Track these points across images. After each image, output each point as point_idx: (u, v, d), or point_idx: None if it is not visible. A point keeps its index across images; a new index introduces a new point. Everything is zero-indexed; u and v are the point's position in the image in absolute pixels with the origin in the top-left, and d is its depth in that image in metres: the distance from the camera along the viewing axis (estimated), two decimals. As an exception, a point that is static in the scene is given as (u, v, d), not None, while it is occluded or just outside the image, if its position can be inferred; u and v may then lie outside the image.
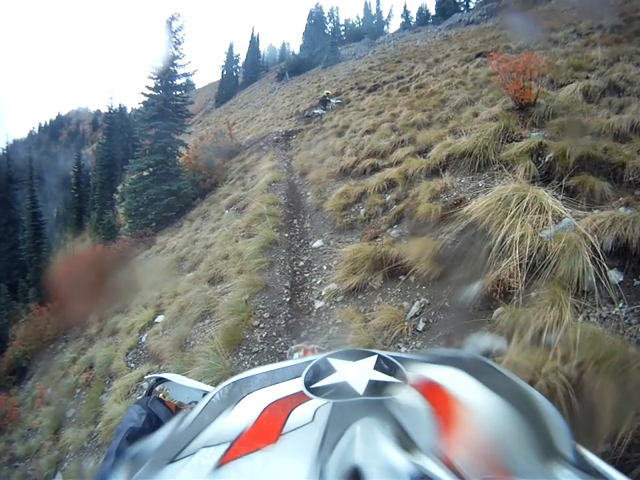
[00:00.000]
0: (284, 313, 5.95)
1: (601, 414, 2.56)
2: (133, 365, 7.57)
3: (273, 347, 5.40)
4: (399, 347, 4.34)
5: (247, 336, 5.65)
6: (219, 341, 5.51)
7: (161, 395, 1.25)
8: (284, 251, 7.70)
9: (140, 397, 1.21)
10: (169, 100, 19.15)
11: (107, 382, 7.84)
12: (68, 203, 40.36)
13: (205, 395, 1.23)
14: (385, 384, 0.69)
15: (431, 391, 0.65)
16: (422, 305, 4.75)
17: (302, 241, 8.20)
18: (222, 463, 0.54)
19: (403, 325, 4.55)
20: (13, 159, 35.89)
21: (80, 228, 34.56)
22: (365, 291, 5.53)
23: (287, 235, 8.43)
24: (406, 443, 0.53)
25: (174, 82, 19.62)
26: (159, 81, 19.18)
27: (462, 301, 4.38)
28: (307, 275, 6.83)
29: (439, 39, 32.45)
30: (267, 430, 0.59)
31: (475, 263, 4.57)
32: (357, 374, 0.71)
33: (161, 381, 1.31)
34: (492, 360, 2.67)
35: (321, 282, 6.39)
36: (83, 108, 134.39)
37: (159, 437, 0.75)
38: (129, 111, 51.78)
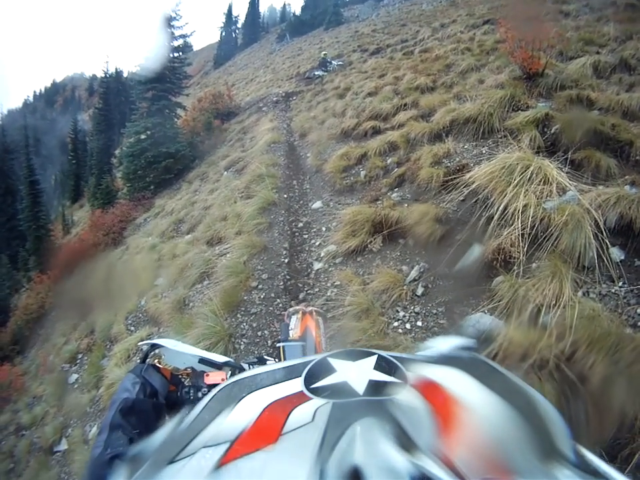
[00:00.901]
0: (282, 274, 5.95)
1: (592, 384, 2.60)
2: (132, 328, 7.63)
3: (271, 309, 5.42)
4: (397, 311, 4.35)
5: (246, 297, 5.66)
6: (217, 303, 5.52)
7: (155, 361, 1.24)
8: (283, 212, 7.68)
9: (134, 366, 1.19)
10: (166, 62, 18.77)
11: (108, 346, 7.91)
12: (65, 170, 40.16)
13: (200, 360, 1.32)
14: (384, 384, 0.69)
15: (430, 391, 0.65)
16: (421, 270, 4.74)
17: (301, 202, 8.16)
18: (222, 463, 0.54)
19: (401, 288, 4.54)
20: (8, 129, 35.59)
21: (78, 194, 34.67)
22: (364, 253, 5.50)
23: (286, 196, 8.40)
24: (406, 443, 0.53)
25: (171, 43, 19.21)
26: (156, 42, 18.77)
27: (462, 267, 4.37)
28: (306, 236, 6.81)
29: (446, 3, 31.62)
30: (267, 430, 0.60)
31: (476, 230, 4.55)
32: (356, 374, 0.72)
33: (155, 347, 1.30)
34: (488, 340, 2.70)
35: (320, 243, 6.37)
36: (78, 74, 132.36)
37: (159, 436, 0.75)
38: (125, 74, 51.04)
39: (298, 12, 61.84)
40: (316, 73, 20.36)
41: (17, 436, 8.36)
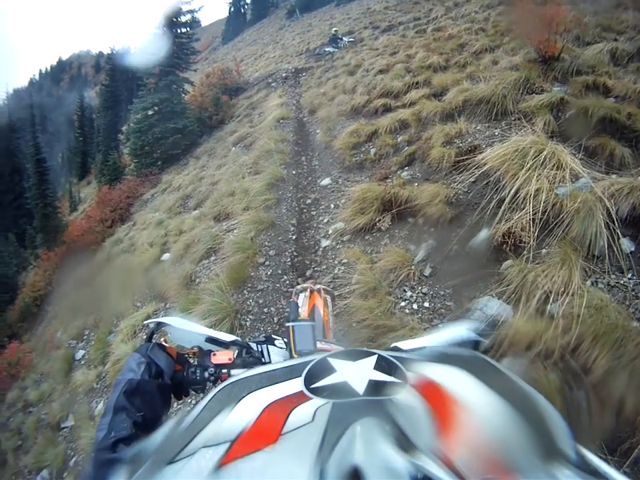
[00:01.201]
0: (290, 250, 5.95)
1: (595, 376, 2.63)
2: (139, 304, 7.65)
3: (278, 285, 5.43)
4: (404, 291, 4.35)
5: (252, 273, 5.68)
6: (224, 279, 5.52)
7: (161, 340, 1.22)
8: (291, 188, 7.66)
9: (140, 345, 1.17)
10: (174, 37, 18.63)
11: (114, 322, 7.94)
12: (72, 147, 40.24)
13: (207, 338, 1.32)
14: (384, 384, 0.70)
15: (430, 390, 0.65)
16: (430, 250, 4.72)
17: (310, 178, 8.12)
18: (222, 463, 0.55)
19: (409, 268, 4.52)
20: (14, 108, 35.52)
21: (85, 171, 34.85)
22: (373, 231, 5.49)
23: (294, 172, 8.37)
24: (406, 443, 0.53)
25: (179, 19, 19.03)
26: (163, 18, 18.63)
27: (470, 249, 4.37)
28: (314, 213, 6.79)
29: (461, -19, 31.30)
30: (267, 430, 0.60)
31: (486, 212, 4.51)
32: (356, 374, 0.73)
33: (161, 325, 1.30)
34: (495, 324, 2.71)
35: (328, 221, 6.35)
36: (84, 51, 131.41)
37: (159, 436, 0.74)
38: (132, 50, 50.66)
39: (309, -13, 61.01)
40: (326, 49, 20.18)
41: (24, 413, 8.44)
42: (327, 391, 0.67)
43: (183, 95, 18.94)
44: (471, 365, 0.71)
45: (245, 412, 0.65)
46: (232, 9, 68.65)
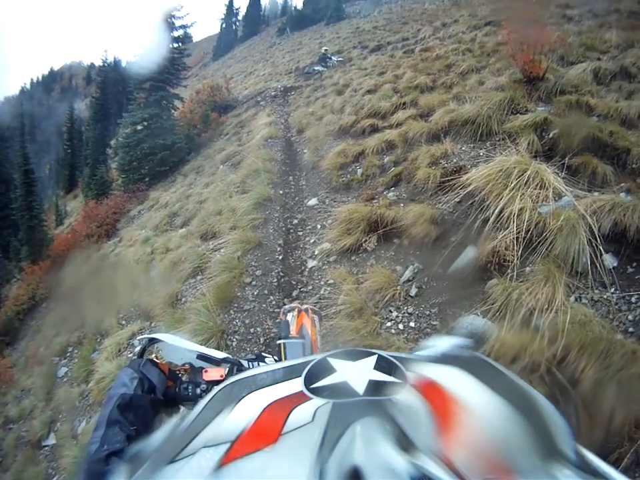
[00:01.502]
0: (276, 271, 5.95)
1: (582, 388, 2.65)
2: (124, 322, 7.59)
3: (264, 305, 5.42)
4: (390, 312, 4.38)
5: (239, 293, 5.67)
6: (210, 298, 5.51)
7: (153, 356, 1.22)
8: (278, 208, 7.68)
9: (131, 360, 1.17)
10: (166, 52, 18.62)
11: (99, 340, 7.85)
12: (60, 159, 39.95)
13: (198, 355, 1.29)
14: (384, 384, 0.69)
15: (431, 390, 0.64)
16: (415, 270, 4.78)
17: (297, 198, 8.15)
18: (222, 463, 0.54)
19: (395, 289, 4.57)
20: (4, 116, 35.27)
21: (72, 184, 34.41)
22: (359, 252, 5.52)
23: (281, 191, 8.38)
24: (406, 443, 0.52)
25: (171, 34, 19.05)
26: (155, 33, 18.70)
27: (456, 269, 4.42)
28: (300, 233, 6.81)
29: (448, 3, 31.60)
30: (267, 430, 0.60)
31: (471, 232, 4.59)
32: (356, 374, 0.72)
33: (153, 341, 1.29)
34: (480, 342, 2.72)
35: (314, 241, 6.37)
36: (76, 62, 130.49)
37: (159, 436, 0.74)
38: (123, 64, 50.73)
39: (299, 6, 61.63)
40: (315, 68, 20.32)
41: (4, 429, 8.25)
42: (327, 391, 0.67)
43: (173, 111, 18.94)
44: (471, 365, 0.71)
45: (245, 412, 0.66)
46: (224, 25, 69.06)
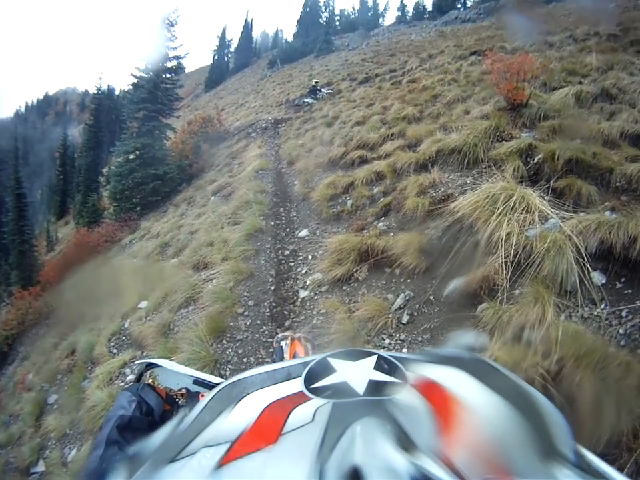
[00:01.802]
0: (269, 301, 5.95)
1: (580, 404, 2.62)
2: (115, 351, 7.51)
3: (257, 335, 5.41)
4: (382, 339, 4.39)
5: (232, 323, 5.65)
6: (203, 328, 5.50)
7: (150, 381, 1.23)
8: (269, 239, 7.70)
9: (130, 384, 1.19)
10: (159, 82, 18.82)
11: (89, 368, 7.73)
12: (53, 185, 39.78)
13: (195, 381, 1.29)
14: (384, 384, 0.69)
15: (431, 390, 0.64)
16: (406, 298, 4.80)
17: (288, 229, 8.17)
18: (222, 463, 0.54)
19: (387, 317, 4.59)
20: None
21: (64, 210, 34.25)
22: (350, 281, 5.55)
23: (273, 223, 8.42)
24: (406, 443, 0.52)
25: (165, 64, 19.26)
26: (149, 63, 18.89)
27: (446, 295, 4.46)
28: (292, 263, 6.83)
29: (434, 34, 32.44)
30: (267, 430, 0.60)
31: (460, 259, 4.62)
32: (356, 374, 0.72)
33: (151, 366, 1.30)
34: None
35: (306, 271, 6.39)
36: (71, 88, 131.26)
37: (159, 436, 0.74)
38: (117, 92, 51.07)
39: (290, 38, 62.72)
40: (305, 100, 20.57)
41: (-8, 455, 8.11)
42: (327, 391, 0.67)
43: (165, 141, 19.00)
44: (471, 365, 0.70)
45: (245, 412, 0.65)
46: (216, 57, 69.79)
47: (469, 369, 0.67)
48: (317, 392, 0.67)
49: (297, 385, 0.70)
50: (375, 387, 0.67)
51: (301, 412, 0.62)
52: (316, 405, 0.63)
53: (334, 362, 0.77)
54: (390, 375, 0.72)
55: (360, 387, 0.67)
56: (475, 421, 0.54)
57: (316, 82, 21.96)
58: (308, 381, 0.71)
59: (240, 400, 0.69)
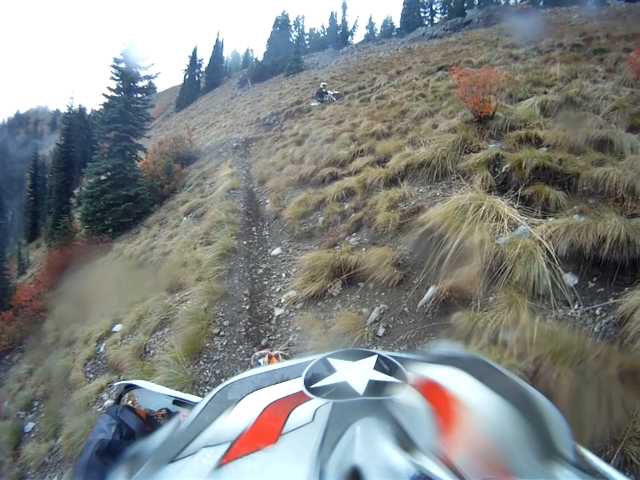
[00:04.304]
0: (244, 320, 5.91)
1: (558, 399, 2.64)
2: (91, 375, 7.33)
3: (233, 355, 5.36)
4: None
5: (208, 344, 5.58)
6: (179, 350, 5.43)
7: (129, 402, 1.23)
8: (243, 258, 7.66)
9: (109, 407, 1.18)
10: (130, 102, 18.74)
11: (66, 394, 7.52)
12: (23, 207, 38.90)
13: (174, 401, 1.28)
14: (384, 384, 0.70)
15: (431, 390, 0.66)
16: (381, 311, 4.84)
17: (260, 248, 8.17)
18: (223, 462, 0.55)
19: (363, 330, 4.60)
20: None
21: (35, 233, 33.45)
22: (325, 298, 5.57)
23: (245, 242, 8.39)
24: (406, 442, 0.54)
25: (136, 84, 19.27)
26: (121, 82, 18.81)
27: (421, 306, 4.52)
28: (266, 282, 6.82)
29: (402, 51, 32.88)
30: (267, 430, 0.61)
31: (432, 269, 4.69)
32: (357, 374, 0.73)
33: (130, 387, 1.29)
34: None
35: (280, 289, 6.39)
36: (42, 106, 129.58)
37: (160, 436, 0.75)
38: (88, 112, 50.38)
39: (260, 58, 62.92)
40: (312, 104, 20.83)
41: (-31, 486, 7.84)
42: (327, 391, 0.68)
43: (136, 162, 18.84)
44: (471, 365, 0.73)
45: (245, 412, 0.66)
46: (187, 76, 69.50)
47: (468, 368, 0.70)
48: (317, 392, 0.68)
49: (297, 385, 0.72)
50: (375, 387, 0.69)
51: (301, 412, 0.64)
52: (316, 405, 0.65)
53: (334, 362, 0.78)
54: (390, 375, 0.74)
55: (360, 387, 0.68)
56: (474, 421, 0.57)
57: (324, 84, 22.29)
58: (308, 381, 0.72)
59: (240, 400, 0.70)
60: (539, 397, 0.65)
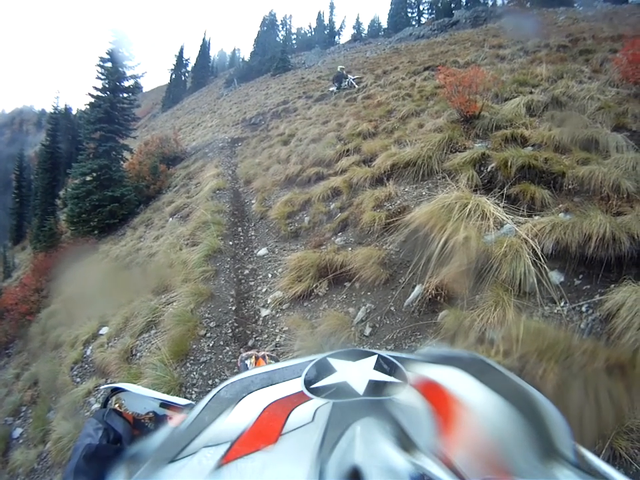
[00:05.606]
0: (230, 321, 5.91)
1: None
2: (78, 379, 7.26)
3: (220, 356, 5.36)
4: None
5: (194, 346, 5.57)
6: (165, 352, 5.43)
7: (116, 405, 1.21)
8: (229, 259, 7.66)
9: (96, 411, 1.16)
10: (116, 102, 18.57)
11: (53, 398, 7.46)
12: (8, 208, 38.42)
13: (161, 403, 1.27)
14: (384, 384, 0.70)
15: (431, 390, 0.66)
16: (368, 311, 4.86)
17: (247, 249, 8.16)
18: (223, 462, 0.55)
19: (349, 330, 4.63)
20: None
21: (21, 235, 33.07)
22: (311, 298, 5.59)
23: (231, 243, 8.39)
24: (406, 442, 0.53)
25: (122, 84, 19.09)
26: (106, 82, 18.63)
27: (407, 305, 4.55)
28: (252, 283, 6.81)
29: (389, 51, 32.86)
30: (267, 430, 0.60)
31: (418, 268, 4.71)
32: (357, 374, 0.72)
33: (116, 391, 1.27)
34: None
35: (266, 290, 6.39)
36: (27, 106, 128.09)
37: (159, 436, 0.75)
38: (74, 112, 49.81)
39: (247, 57, 62.61)
40: (330, 89, 20.47)
41: (-43, 495, 7.74)
42: (327, 391, 0.67)
43: (122, 162, 18.71)
44: (471, 365, 0.72)
45: (245, 412, 0.66)
46: (173, 76, 68.84)
47: (468, 368, 0.70)
48: (317, 392, 0.68)
49: (296, 385, 0.71)
50: (375, 387, 0.68)
51: (301, 412, 0.63)
52: (316, 405, 0.64)
53: (334, 362, 0.77)
54: (390, 375, 0.73)
55: (360, 387, 0.68)
56: (474, 421, 0.56)
57: (342, 68, 20.99)
58: (308, 381, 0.72)
59: (240, 400, 0.70)
60: (539, 397, 0.65)
